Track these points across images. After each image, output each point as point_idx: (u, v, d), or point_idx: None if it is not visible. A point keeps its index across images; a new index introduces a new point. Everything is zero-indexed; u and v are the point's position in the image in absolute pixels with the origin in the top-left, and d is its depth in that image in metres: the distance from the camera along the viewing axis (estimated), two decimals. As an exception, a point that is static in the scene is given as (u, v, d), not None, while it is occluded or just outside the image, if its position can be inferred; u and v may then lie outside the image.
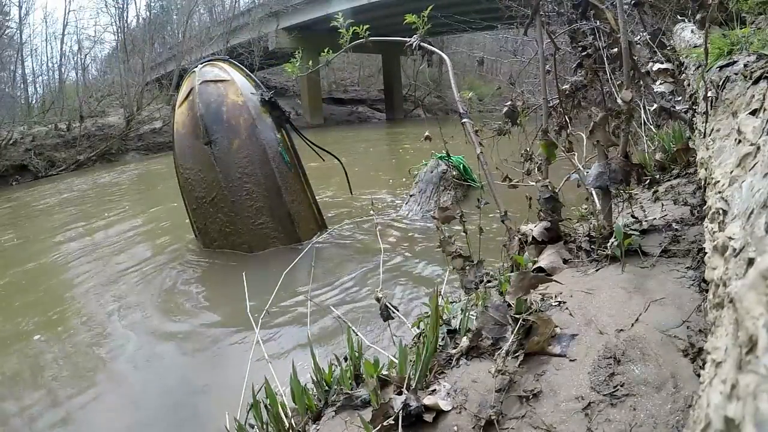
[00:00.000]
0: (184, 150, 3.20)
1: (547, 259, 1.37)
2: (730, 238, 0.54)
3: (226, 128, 3.04)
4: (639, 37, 1.92)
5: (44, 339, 2.31)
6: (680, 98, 1.60)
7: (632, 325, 0.95)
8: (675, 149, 1.99)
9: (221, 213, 3.11)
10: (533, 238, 1.46)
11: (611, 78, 1.50)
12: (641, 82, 1.40)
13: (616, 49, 1.39)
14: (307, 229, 3.26)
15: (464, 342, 1.06)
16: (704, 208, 0.92)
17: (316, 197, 3.39)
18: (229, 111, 3.07)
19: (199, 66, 3.27)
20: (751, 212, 0.52)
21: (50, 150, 10.62)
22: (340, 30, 2.24)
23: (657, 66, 1.48)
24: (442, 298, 1.34)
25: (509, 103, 1.85)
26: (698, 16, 1.59)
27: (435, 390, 0.95)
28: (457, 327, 1.16)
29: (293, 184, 3.19)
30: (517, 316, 0.99)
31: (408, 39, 2.02)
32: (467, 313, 1.16)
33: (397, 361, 1.08)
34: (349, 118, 20.21)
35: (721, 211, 0.69)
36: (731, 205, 0.64)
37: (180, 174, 3.27)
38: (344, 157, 4.08)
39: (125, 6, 15.79)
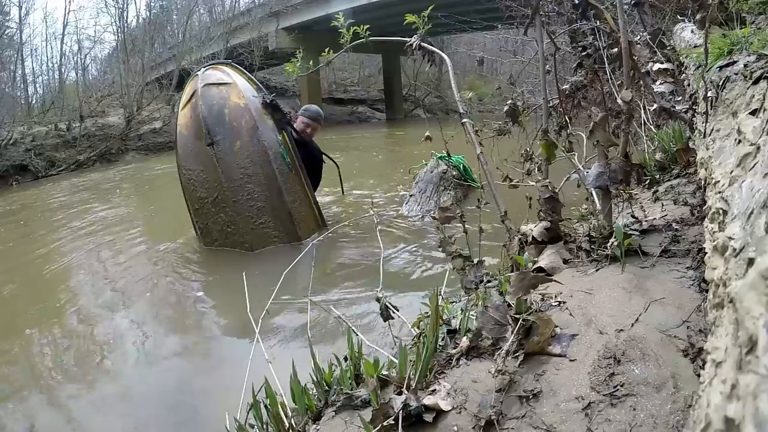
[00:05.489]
0: (186, 151, 3.21)
1: (547, 259, 1.37)
2: (730, 238, 0.54)
3: (228, 130, 3.05)
4: (639, 37, 1.92)
5: (41, 339, 2.31)
6: (680, 98, 1.60)
7: (632, 325, 0.95)
8: (675, 149, 1.99)
9: (223, 213, 3.12)
10: (533, 238, 1.46)
11: (611, 78, 1.50)
12: (641, 82, 1.40)
13: (616, 49, 1.39)
14: (308, 228, 3.26)
15: (464, 342, 1.06)
16: (704, 208, 0.92)
17: (317, 197, 3.39)
18: (231, 113, 3.08)
19: (202, 69, 3.29)
20: (751, 212, 0.52)
21: (50, 150, 10.61)
22: (340, 30, 2.24)
23: (657, 66, 1.48)
24: (442, 298, 1.34)
25: (510, 102, 1.85)
26: (698, 16, 1.59)
27: (435, 390, 0.95)
28: (457, 327, 1.16)
29: (294, 185, 3.20)
30: (517, 316, 0.99)
31: (408, 39, 2.03)
32: (467, 313, 1.16)
33: (397, 361, 1.08)
34: (349, 118, 20.19)
35: (721, 211, 0.69)
36: (731, 205, 0.64)
37: (182, 174, 3.28)
38: (343, 157, 4.08)
39: (125, 6, 15.73)
